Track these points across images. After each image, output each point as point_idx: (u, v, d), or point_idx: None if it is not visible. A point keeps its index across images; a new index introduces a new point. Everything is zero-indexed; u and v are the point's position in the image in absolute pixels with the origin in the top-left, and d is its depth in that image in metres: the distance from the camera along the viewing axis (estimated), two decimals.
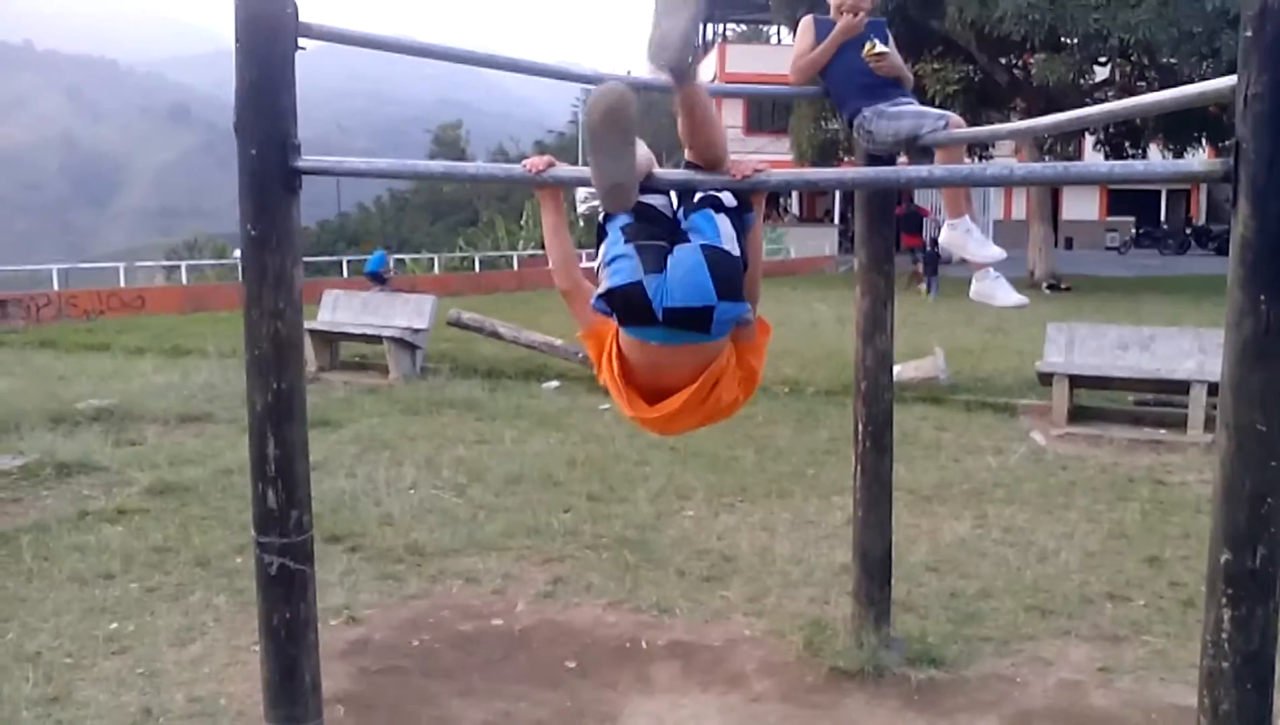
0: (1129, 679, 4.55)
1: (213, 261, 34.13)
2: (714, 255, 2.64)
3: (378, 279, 23.81)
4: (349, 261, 34.45)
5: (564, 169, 2.83)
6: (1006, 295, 4.52)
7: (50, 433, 8.91)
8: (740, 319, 2.73)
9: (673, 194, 2.90)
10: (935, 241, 28.99)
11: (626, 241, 2.70)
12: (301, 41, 3.02)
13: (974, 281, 4.57)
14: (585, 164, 2.65)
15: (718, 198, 2.77)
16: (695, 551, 6.14)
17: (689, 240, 2.70)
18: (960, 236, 4.41)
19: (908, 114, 4.30)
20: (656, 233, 2.72)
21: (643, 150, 2.66)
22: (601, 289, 2.72)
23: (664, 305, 2.59)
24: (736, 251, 2.70)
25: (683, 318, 2.60)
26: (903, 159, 4.48)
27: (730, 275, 2.64)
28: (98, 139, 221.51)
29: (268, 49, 2.96)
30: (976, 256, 4.42)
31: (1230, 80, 2.23)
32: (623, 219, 2.77)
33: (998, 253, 4.47)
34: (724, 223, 2.73)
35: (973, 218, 4.46)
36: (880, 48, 4.30)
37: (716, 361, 2.74)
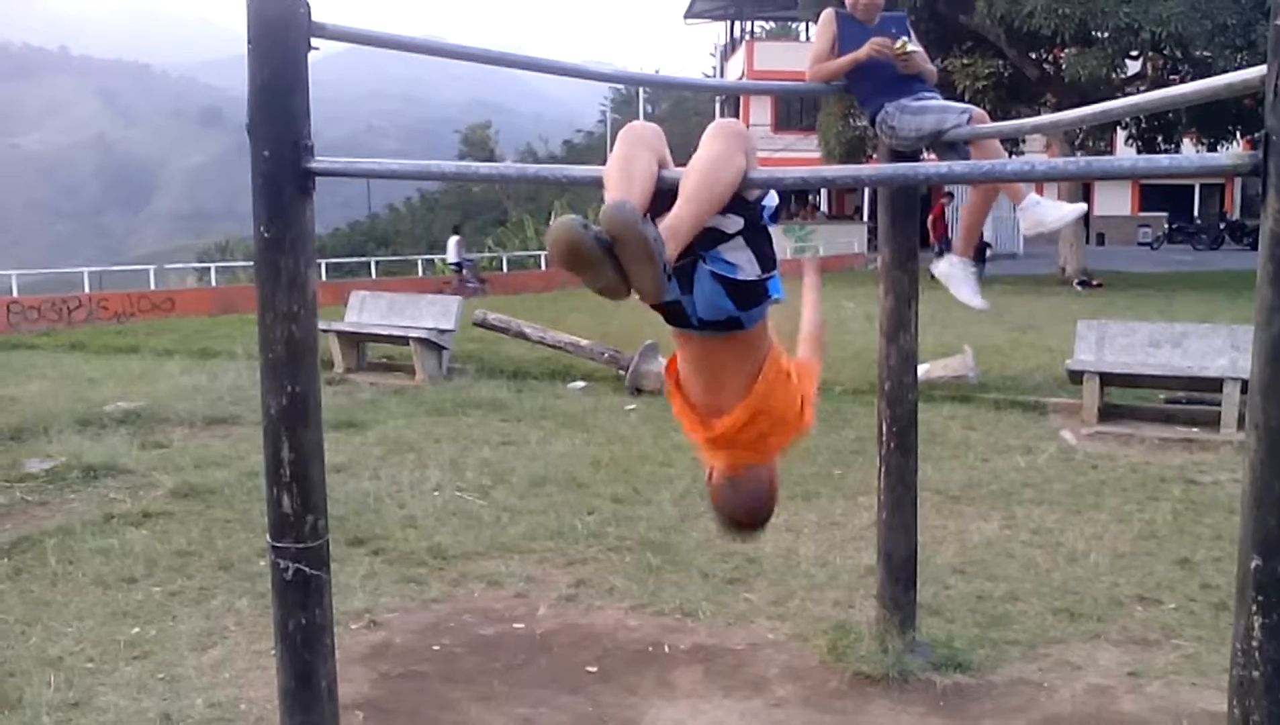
0: (1159, 684, 4.46)
1: (244, 263, 34.28)
2: (726, 281, 2.71)
3: None
4: (378, 262, 34.66)
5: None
6: (970, 293, 4.45)
7: (78, 435, 8.97)
8: (769, 306, 2.80)
9: None
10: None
11: None
12: (318, 42, 2.99)
13: (942, 262, 4.51)
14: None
15: (723, 230, 2.70)
16: (719, 554, 6.08)
17: (705, 261, 2.71)
18: (1032, 208, 4.22)
19: (931, 109, 4.23)
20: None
21: (645, 174, 2.60)
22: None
23: (698, 317, 2.74)
24: (755, 272, 2.71)
25: (716, 326, 2.75)
26: (929, 155, 4.42)
27: (745, 290, 2.71)
28: (131, 142, 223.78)
29: (280, 49, 2.92)
30: (1061, 217, 4.17)
31: (1259, 70, 2.15)
32: None
33: (1079, 207, 4.29)
34: (736, 251, 2.70)
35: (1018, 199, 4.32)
36: (910, 46, 4.24)
37: (764, 367, 2.85)
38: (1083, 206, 4.39)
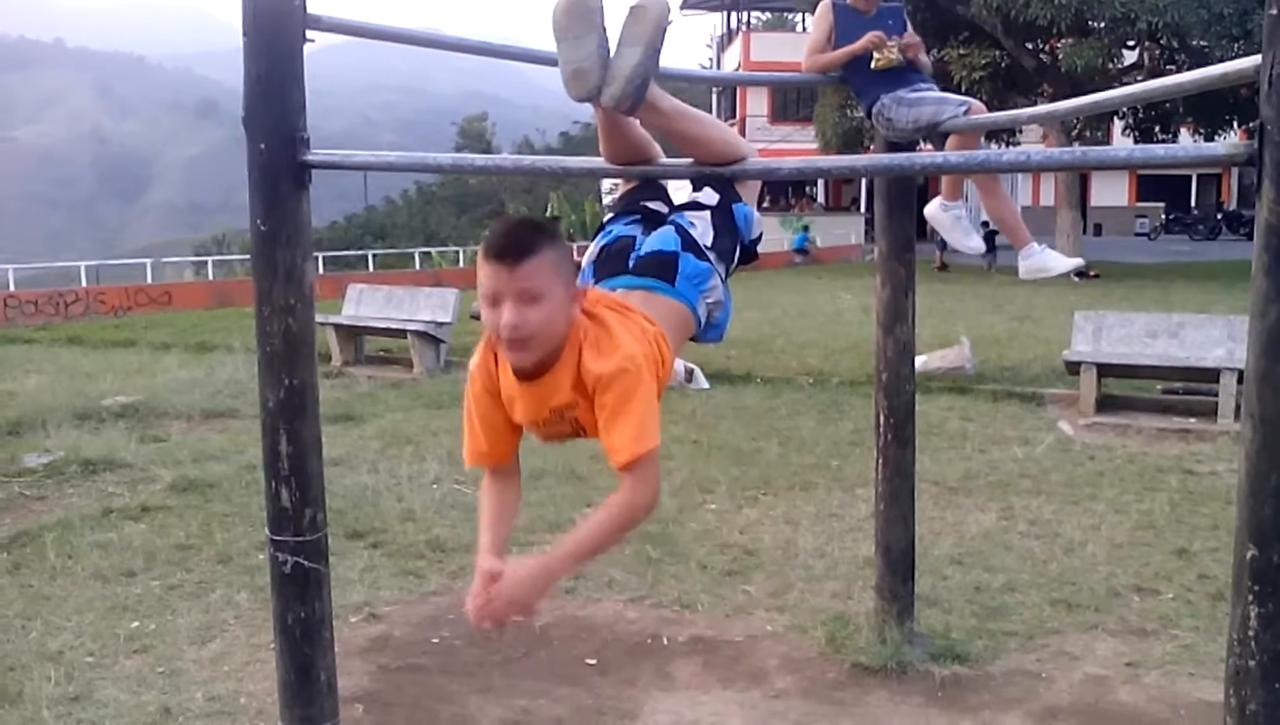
0: (1156, 674, 4.47)
1: (240, 257, 34.27)
2: (683, 231, 2.74)
3: (803, 252, 31.02)
4: (375, 255, 34.65)
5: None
6: (1059, 261, 4.47)
7: (76, 430, 8.97)
8: (707, 286, 2.69)
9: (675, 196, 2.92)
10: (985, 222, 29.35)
11: (628, 225, 2.81)
12: (314, 34, 2.98)
13: (1021, 262, 4.51)
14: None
15: (698, 201, 2.82)
16: (717, 546, 6.10)
17: (674, 218, 2.81)
18: (949, 219, 4.46)
19: (928, 100, 4.22)
20: (651, 222, 2.82)
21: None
22: (594, 252, 2.80)
23: (637, 255, 2.71)
24: (708, 241, 2.74)
25: (649, 262, 2.68)
26: (925, 146, 4.42)
27: (695, 244, 2.73)
28: (127, 135, 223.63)
29: (275, 42, 2.91)
30: (957, 243, 4.56)
31: (1255, 60, 2.14)
32: (626, 219, 2.83)
33: (978, 244, 4.54)
34: (700, 218, 2.77)
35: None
36: (904, 41, 4.23)
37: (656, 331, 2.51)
38: (1080, 261, 4.55)
